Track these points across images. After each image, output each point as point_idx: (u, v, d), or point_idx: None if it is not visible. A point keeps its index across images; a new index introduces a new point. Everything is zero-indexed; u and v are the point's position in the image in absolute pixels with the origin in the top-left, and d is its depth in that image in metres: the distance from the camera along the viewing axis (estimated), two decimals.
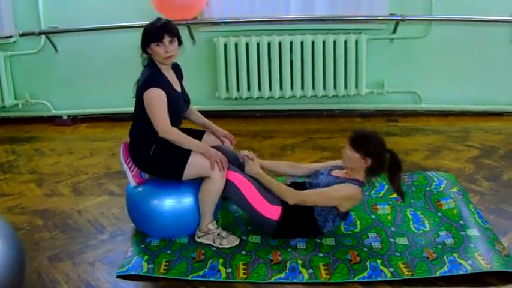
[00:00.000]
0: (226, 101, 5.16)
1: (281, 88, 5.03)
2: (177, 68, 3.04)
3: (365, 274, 2.55)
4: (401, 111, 5.12)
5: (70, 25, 5.07)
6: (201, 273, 2.61)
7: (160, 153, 2.84)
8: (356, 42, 4.85)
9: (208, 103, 5.09)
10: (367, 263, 2.63)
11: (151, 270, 2.64)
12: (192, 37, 4.94)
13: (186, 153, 2.80)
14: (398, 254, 2.70)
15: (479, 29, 4.83)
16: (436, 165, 3.84)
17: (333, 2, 4.88)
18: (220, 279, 2.57)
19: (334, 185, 2.79)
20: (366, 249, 2.75)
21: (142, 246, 2.87)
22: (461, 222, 2.90)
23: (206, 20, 4.97)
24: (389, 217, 3.06)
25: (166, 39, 2.79)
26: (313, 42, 4.87)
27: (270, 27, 4.97)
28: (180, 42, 2.88)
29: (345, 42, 4.85)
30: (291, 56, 4.93)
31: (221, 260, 2.71)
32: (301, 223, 2.85)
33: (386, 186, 3.37)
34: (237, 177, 2.83)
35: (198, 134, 3.05)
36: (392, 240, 2.83)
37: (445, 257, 2.61)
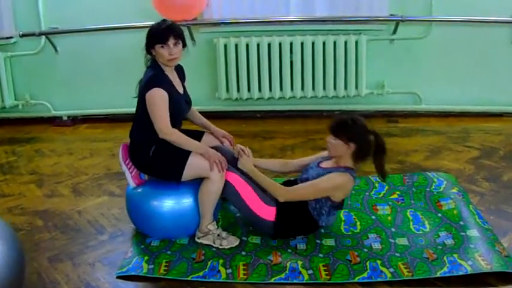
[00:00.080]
0: (227, 101, 5.16)
1: (281, 89, 5.03)
2: (179, 70, 3.04)
3: (365, 275, 2.55)
4: (402, 112, 5.12)
5: (70, 26, 5.07)
6: (201, 273, 2.61)
7: (159, 154, 2.84)
8: (356, 43, 4.86)
9: (209, 104, 5.09)
10: (367, 264, 2.63)
11: (151, 271, 2.64)
12: (192, 38, 4.95)
13: (185, 154, 2.80)
14: (398, 254, 2.70)
15: (479, 29, 4.83)
16: (436, 166, 3.84)
17: (333, 2, 4.88)
18: (220, 280, 2.57)
19: (322, 176, 2.79)
20: (366, 250, 2.75)
21: (142, 246, 2.87)
22: (461, 222, 2.90)
23: (206, 20, 4.98)
24: (389, 218, 3.06)
25: (171, 42, 2.79)
26: (313, 43, 4.88)
27: (270, 28, 4.97)
28: (184, 45, 2.88)
29: (345, 43, 4.86)
30: (291, 57, 4.93)
31: (221, 261, 2.71)
32: (297, 220, 2.85)
33: (387, 187, 3.37)
34: (234, 178, 2.84)
35: (197, 135, 3.05)
36: (392, 240, 2.83)
37: (445, 258, 2.61)
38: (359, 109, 5.11)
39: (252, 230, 2.97)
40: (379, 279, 2.51)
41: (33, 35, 5.04)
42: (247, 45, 4.92)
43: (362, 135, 2.77)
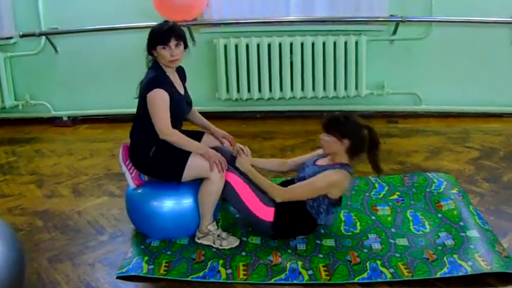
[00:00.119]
0: (227, 102, 5.16)
1: (281, 89, 5.04)
2: (180, 71, 3.04)
3: (365, 275, 2.54)
4: (402, 112, 5.13)
5: (70, 26, 5.07)
6: (201, 274, 2.61)
7: (159, 155, 2.84)
8: (356, 43, 4.86)
9: (209, 104, 5.10)
10: (367, 264, 2.62)
11: (151, 271, 2.64)
12: (192, 38, 4.95)
13: (185, 155, 2.80)
14: (398, 255, 2.70)
15: (479, 30, 4.83)
16: (436, 167, 3.84)
17: (333, 3, 4.88)
18: (220, 280, 2.57)
19: (318, 174, 2.79)
20: (365, 250, 2.75)
21: (142, 247, 2.87)
22: (461, 223, 2.90)
23: (206, 21, 4.98)
24: (389, 218, 3.06)
25: (173, 43, 2.79)
26: (313, 44, 4.88)
27: (270, 29, 4.97)
28: (185, 46, 2.88)
29: (345, 43, 4.86)
30: (291, 57, 4.93)
31: (221, 261, 2.71)
32: (296, 220, 2.85)
33: (387, 188, 3.37)
34: (233, 179, 2.84)
35: (197, 135, 3.05)
36: (392, 241, 2.83)
37: (445, 258, 2.61)
38: (359, 109, 5.11)
39: (252, 231, 2.97)
40: (379, 280, 2.51)
41: (33, 35, 5.04)
42: (247, 46, 4.92)
43: (355, 130, 2.77)
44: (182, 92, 2.98)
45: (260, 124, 5.10)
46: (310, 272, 2.59)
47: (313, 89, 5.01)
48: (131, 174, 2.96)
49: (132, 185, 2.97)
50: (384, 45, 4.98)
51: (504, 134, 4.55)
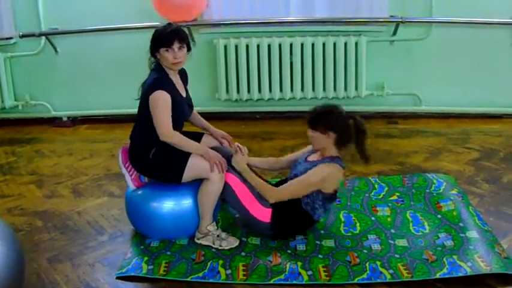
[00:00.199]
0: (226, 102, 5.16)
1: (281, 90, 5.04)
2: (182, 73, 3.05)
3: (364, 276, 2.54)
4: (401, 113, 5.13)
5: (70, 26, 5.07)
6: (200, 274, 2.61)
7: (159, 156, 2.84)
8: (356, 44, 4.86)
9: (208, 105, 5.09)
10: (367, 265, 2.62)
11: (150, 272, 2.64)
12: (192, 39, 4.92)
13: (185, 156, 2.80)
14: (397, 255, 2.70)
15: (480, 31, 4.83)
16: (435, 167, 3.84)
17: (333, 3, 4.88)
18: (220, 281, 2.57)
19: (310, 170, 2.79)
20: (365, 251, 2.75)
21: (142, 247, 2.87)
22: (461, 224, 2.90)
23: (206, 21, 4.98)
24: (388, 219, 3.06)
25: (176, 45, 2.80)
26: (313, 44, 4.88)
27: (270, 29, 4.97)
28: (189, 49, 2.88)
29: (345, 44, 4.86)
30: (291, 58, 4.93)
31: (221, 262, 2.71)
32: (292, 219, 2.85)
33: (386, 188, 3.37)
34: (232, 179, 2.84)
35: (196, 136, 3.05)
36: (392, 242, 2.83)
37: (444, 259, 2.61)
38: (359, 110, 5.09)
39: (252, 231, 2.97)
40: (378, 281, 2.51)
41: (33, 35, 5.04)
42: (247, 46, 4.92)
43: (339, 122, 2.77)
44: (184, 94, 2.98)
45: (260, 125, 5.10)
46: (310, 272, 2.60)
47: (313, 89, 5.01)
48: (131, 176, 2.96)
49: (132, 186, 2.97)
50: (384, 46, 4.98)
51: (504, 135, 4.55)
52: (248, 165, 2.94)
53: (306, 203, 2.81)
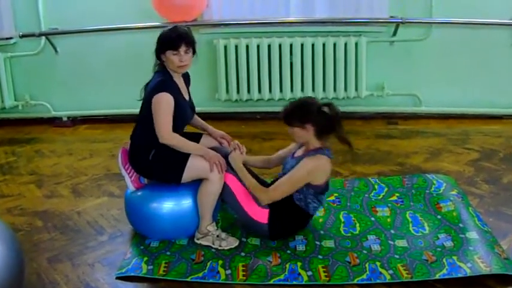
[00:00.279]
0: (226, 103, 5.16)
1: (281, 90, 5.04)
2: (186, 76, 3.05)
3: (364, 276, 2.54)
4: (401, 113, 5.13)
5: (70, 26, 5.07)
6: (200, 274, 2.61)
7: (159, 157, 2.84)
8: (356, 44, 4.86)
9: (208, 105, 5.10)
10: (367, 265, 2.62)
11: (150, 272, 2.64)
12: None
13: (184, 157, 2.80)
14: (397, 256, 2.70)
15: (480, 31, 4.83)
16: (435, 168, 3.84)
17: (333, 4, 4.89)
18: (220, 281, 2.57)
19: (296, 166, 2.78)
20: (365, 252, 2.75)
21: (142, 247, 2.87)
22: (461, 225, 2.90)
23: (206, 21, 4.98)
24: (388, 219, 3.06)
25: (182, 49, 2.80)
26: (313, 45, 4.88)
27: (270, 29, 4.97)
28: (194, 52, 2.88)
29: (345, 44, 4.86)
30: (291, 58, 4.93)
31: (220, 262, 2.71)
32: (289, 217, 2.85)
33: (386, 189, 3.37)
34: (231, 180, 2.84)
35: (195, 137, 3.06)
36: (392, 242, 2.83)
37: (444, 260, 2.61)
38: (359, 111, 5.12)
39: (251, 232, 2.97)
40: (378, 281, 2.51)
41: (33, 35, 5.04)
42: (247, 47, 4.92)
43: (314, 113, 2.74)
44: (187, 97, 2.99)
45: (260, 125, 5.10)
46: (310, 272, 2.60)
47: (313, 90, 5.00)
48: (131, 177, 2.96)
49: (131, 188, 2.97)
50: (384, 46, 4.98)
51: (504, 136, 4.55)
52: (245, 164, 2.94)
53: (298, 199, 2.81)
